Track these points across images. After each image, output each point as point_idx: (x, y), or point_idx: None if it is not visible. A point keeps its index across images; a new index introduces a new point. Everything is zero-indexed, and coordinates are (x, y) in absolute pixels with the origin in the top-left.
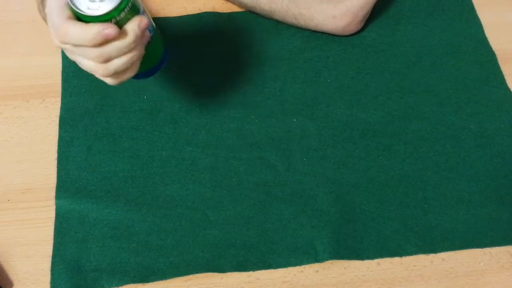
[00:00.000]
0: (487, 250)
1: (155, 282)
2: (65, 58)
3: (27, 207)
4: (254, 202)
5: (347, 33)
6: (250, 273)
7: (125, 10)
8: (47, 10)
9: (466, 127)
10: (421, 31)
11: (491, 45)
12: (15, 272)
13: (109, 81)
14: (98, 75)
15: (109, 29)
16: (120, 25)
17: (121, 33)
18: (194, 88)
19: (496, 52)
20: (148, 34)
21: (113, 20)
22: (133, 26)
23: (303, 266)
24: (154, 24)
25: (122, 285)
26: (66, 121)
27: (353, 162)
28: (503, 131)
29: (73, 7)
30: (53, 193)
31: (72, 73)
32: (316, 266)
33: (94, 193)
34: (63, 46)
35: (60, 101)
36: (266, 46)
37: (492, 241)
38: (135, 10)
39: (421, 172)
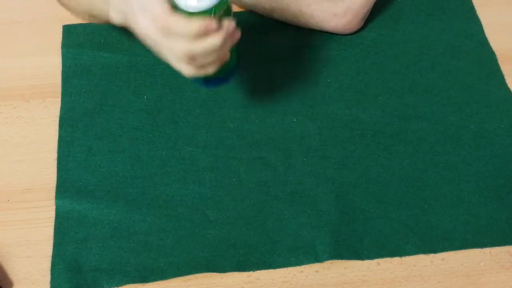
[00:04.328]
0: (487, 250)
1: (155, 282)
2: (65, 58)
3: (27, 207)
4: (254, 202)
5: (347, 31)
6: (250, 273)
7: (222, 10)
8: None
9: (466, 127)
10: (421, 31)
11: (491, 45)
12: (15, 272)
13: (188, 70)
14: (182, 66)
15: (213, 24)
16: None
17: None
18: (194, 88)
19: (496, 52)
20: (237, 36)
21: (211, 17)
22: (225, 25)
23: (303, 266)
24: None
25: (122, 285)
26: (66, 121)
27: (353, 162)
28: (503, 131)
29: (175, 2)
30: (53, 193)
31: (72, 73)
32: (316, 266)
33: (94, 193)
34: (160, 33)
35: (60, 101)
36: (266, 46)
37: (492, 241)
38: (228, 13)
39: (421, 172)
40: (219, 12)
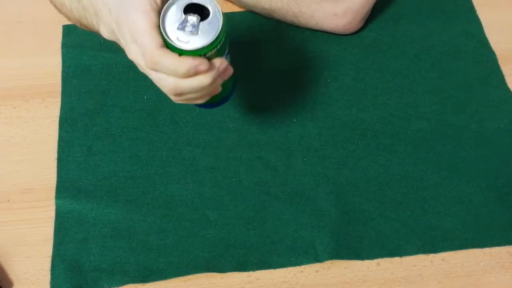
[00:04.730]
0: (487, 250)
1: (155, 282)
2: (65, 58)
3: (27, 207)
4: (254, 202)
5: (347, 31)
6: (250, 273)
7: (214, 50)
8: (130, 26)
9: (466, 127)
10: (421, 31)
11: (491, 45)
12: (15, 272)
13: (175, 101)
14: (169, 96)
15: (202, 65)
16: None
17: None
18: None
19: (496, 52)
20: (229, 72)
21: (202, 56)
22: (217, 65)
23: (303, 266)
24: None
25: (122, 285)
26: (66, 121)
27: (353, 162)
28: (503, 131)
29: (166, 38)
30: (53, 193)
31: (72, 73)
32: (316, 266)
33: (94, 193)
34: (148, 68)
35: (60, 101)
36: (266, 46)
37: (492, 241)
38: (221, 52)
39: (421, 172)
40: (211, 51)
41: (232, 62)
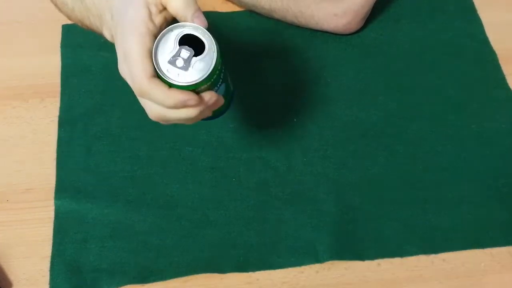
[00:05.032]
0: (488, 250)
1: (154, 283)
2: (64, 58)
3: (27, 207)
4: (254, 202)
5: (347, 31)
6: (250, 273)
7: (205, 86)
8: (124, 46)
9: (466, 127)
10: (421, 31)
11: (492, 45)
12: (14, 273)
13: (162, 123)
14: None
15: (191, 101)
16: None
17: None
18: None
19: (497, 52)
20: (219, 103)
21: (192, 90)
22: (206, 99)
23: (303, 267)
24: (230, 84)
25: (121, 285)
26: (66, 121)
27: (353, 162)
28: (503, 131)
29: (157, 69)
30: (52, 193)
31: (71, 73)
32: (316, 266)
33: (93, 193)
34: (136, 94)
35: (59, 101)
36: (266, 46)
37: (493, 242)
38: (213, 85)
39: (421, 172)
40: (202, 87)
41: (231, 63)
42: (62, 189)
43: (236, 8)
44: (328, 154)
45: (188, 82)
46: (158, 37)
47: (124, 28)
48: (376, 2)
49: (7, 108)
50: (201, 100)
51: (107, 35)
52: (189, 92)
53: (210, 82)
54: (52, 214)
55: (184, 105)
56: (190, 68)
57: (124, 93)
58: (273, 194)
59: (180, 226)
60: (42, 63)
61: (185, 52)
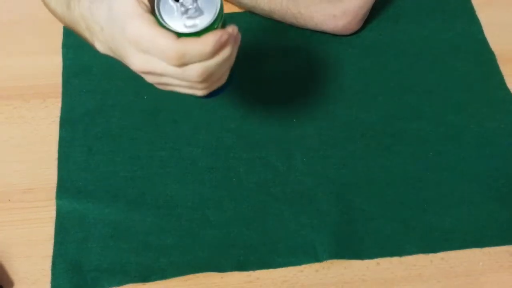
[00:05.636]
0: (486, 250)
1: (155, 282)
2: (65, 58)
3: (28, 207)
4: (254, 202)
5: (346, 32)
6: (250, 272)
7: (221, 19)
8: (130, 37)
9: (466, 127)
10: (421, 31)
11: (490, 45)
12: (15, 272)
13: (203, 91)
14: (197, 88)
15: (224, 35)
16: None
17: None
18: None
19: (495, 53)
20: (239, 37)
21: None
22: (231, 31)
23: (303, 266)
24: None
25: (122, 284)
26: (67, 122)
27: (353, 162)
28: (503, 131)
29: (176, 31)
30: (53, 193)
31: (72, 73)
32: (316, 265)
33: (94, 193)
34: (175, 64)
35: (60, 101)
36: (266, 46)
37: (492, 241)
38: (225, 21)
39: (421, 172)
40: (220, 22)
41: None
42: (64, 189)
43: (236, 9)
44: (328, 154)
45: (210, 21)
46: (155, 8)
47: (121, 21)
48: (375, 2)
49: (9, 108)
50: (228, 32)
51: (99, 47)
52: (216, 32)
53: (221, 17)
54: (53, 213)
55: (221, 45)
56: (201, 10)
57: (124, 93)
58: (273, 194)
59: (180, 226)
60: (44, 64)
61: (187, 1)
